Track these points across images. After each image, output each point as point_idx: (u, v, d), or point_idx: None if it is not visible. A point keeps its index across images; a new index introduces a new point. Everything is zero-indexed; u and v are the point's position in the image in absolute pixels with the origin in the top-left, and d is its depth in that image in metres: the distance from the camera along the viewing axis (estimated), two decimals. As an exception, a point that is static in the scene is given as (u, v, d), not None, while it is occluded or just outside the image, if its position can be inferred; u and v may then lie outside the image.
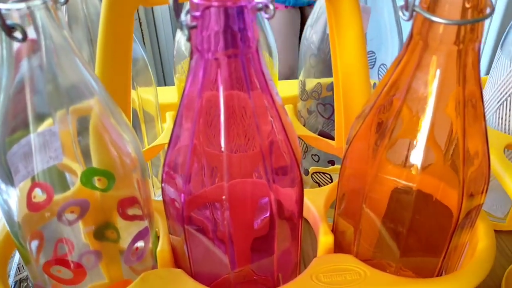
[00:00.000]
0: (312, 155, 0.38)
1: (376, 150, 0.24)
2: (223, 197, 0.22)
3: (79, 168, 0.25)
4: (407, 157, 0.24)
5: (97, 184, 0.26)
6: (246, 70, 0.20)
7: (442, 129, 0.23)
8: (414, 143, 0.23)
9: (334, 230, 0.28)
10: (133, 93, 0.35)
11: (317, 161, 0.38)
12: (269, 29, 0.34)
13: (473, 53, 0.20)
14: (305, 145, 0.38)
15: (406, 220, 0.25)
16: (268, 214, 0.25)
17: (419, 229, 0.26)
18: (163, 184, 0.24)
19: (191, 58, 0.20)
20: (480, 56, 0.22)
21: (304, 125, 0.37)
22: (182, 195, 0.22)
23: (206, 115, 0.21)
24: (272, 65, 0.34)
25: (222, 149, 0.21)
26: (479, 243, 0.27)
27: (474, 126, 0.22)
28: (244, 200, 0.24)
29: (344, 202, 0.27)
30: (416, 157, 0.24)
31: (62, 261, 0.24)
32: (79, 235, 0.27)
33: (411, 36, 0.21)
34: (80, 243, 0.27)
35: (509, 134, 0.37)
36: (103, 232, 0.27)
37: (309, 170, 0.39)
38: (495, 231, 0.28)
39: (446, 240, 0.25)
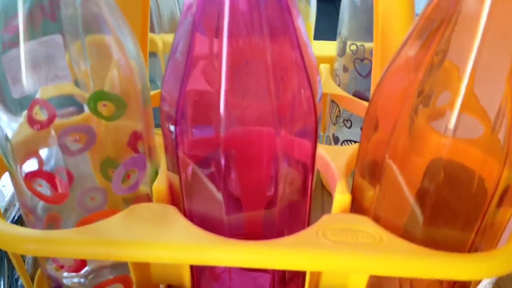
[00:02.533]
0: (344, 120, 0.34)
1: (409, 107, 0.21)
2: (220, 140, 0.20)
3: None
4: (447, 124, 0.20)
5: (104, 112, 0.24)
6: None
7: (492, 94, 0.19)
8: (455, 107, 0.19)
9: (353, 191, 0.25)
10: (157, 37, 0.33)
11: (349, 127, 0.34)
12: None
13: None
14: (337, 109, 0.35)
15: (437, 187, 0.22)
16: (274, 167, 0.22)
17: (449, 200, 0.22)
18: (161, 111, 0.21)
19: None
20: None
21: (339, 85, 0.34)
22: (175, 129, 0.20)
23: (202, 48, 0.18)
24: (308, 14, 0.31)
25: (221, 90, 0.18)
26: (524, 224, 0.22)
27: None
28: (245, 146, 0.21)
29: (366, 159, 0.24)
30: (455, 123, 0.20)
31: (46, 175, 0.22)
32: (83, 168, 0.26)
33: None
34: (84, 177, 0.25)
35: None
36: (108, 169, 0.25)
37: (339, 137, 0.35)
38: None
39: (479, 214, 0.21)
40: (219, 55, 0.18)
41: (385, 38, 0.26)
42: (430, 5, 0.19)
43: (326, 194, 0.36)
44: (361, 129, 0.34)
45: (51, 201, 0.23)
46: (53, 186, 0.23)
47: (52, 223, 0.26)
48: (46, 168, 0.24)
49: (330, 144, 0.37)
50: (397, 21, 0.26)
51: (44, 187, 0.22)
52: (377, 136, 0.23)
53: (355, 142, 0.34)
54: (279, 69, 0.19)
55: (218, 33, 0.18)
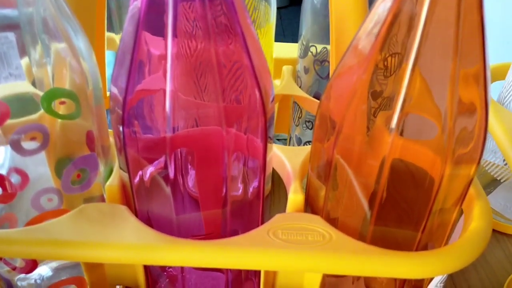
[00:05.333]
0: (306, 121, 0.35)
1: (358, 102, 0.21)
2: (167, 141, 0.20)
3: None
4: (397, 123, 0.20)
5: (61, 110, 0.24)
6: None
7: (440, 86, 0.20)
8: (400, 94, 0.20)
9: (307, 190, 0.25)
10: (116, 37, 0.33)
11: (310, 129, 0.35)
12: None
13: None
14: (300, 110, 0.35)
15: (385, 185, 0.22)
16: (226, 167, 0.22)
17: (396, 195, 0.22)
18: (110, 110, 0.21)
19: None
20: None
21: (300, 87, 0.34)
22: (122, 128, 0.20)
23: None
24: (269, 15, 0.31)
25: (167, 89, 0.18)
26: (472, 223, 0.23)
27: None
28: (193, 145, 0.21)
29: (319, 157, 0.24)
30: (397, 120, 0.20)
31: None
32: (38, 168, 0.25)
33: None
34: (39, 178, 0.25)
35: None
36: (63, 169, 0.25)
37: (301, 139, 0.35)
38: (506, 234, 0.24)
39: (425, 211, 0.22)
40: (164, 54, 0.18)
41: (339, 40, 0.26)
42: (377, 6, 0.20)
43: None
44: (322, 130, 0.35)
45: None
46: (1, 186, 0.22)
47: (7, 223, 0.25)
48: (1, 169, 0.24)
49: (293, 145, 0.37)
50: (350, 22, 0.26)
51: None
52: (327, 135, 0.23)
53: (316, 143, 0.35)
54: (226, 69, 0.19)
55: (163, 32, 0.18)
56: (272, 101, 0.22)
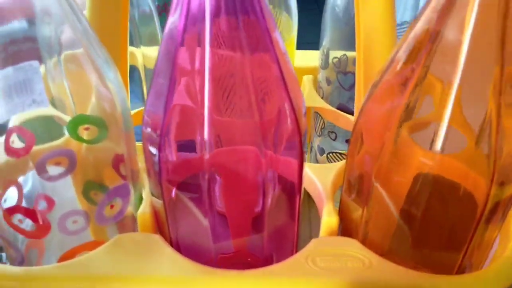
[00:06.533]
0: (329, 132, 0.34)
1: (395, 125, 0.21)
2: (205, 162, 0.19)
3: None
4: (432, 137, 0.20)
5: (85, 135, 0.23)
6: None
7: (476, 107, 0.19)
8: (441, 121, 0.19)
9: (340, 212, 0.25)
10: (136, 51, 0.33)
11: (334, 139, 0.34)
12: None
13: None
14: (322, 121, 0.35)
15: (424, 206, 0.21)
16: (261, 187, 0.21)
17: (437, 218, 0.22)
18: (143, 134, 0.21)
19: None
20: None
21: (322, 98, 0.33)
22: (158, 152, 0.19)
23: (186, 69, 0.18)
24: (290, 27, 0.31)
25: (205, 108, 0.18)
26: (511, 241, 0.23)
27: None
28: (230, 167, 0.21)
29: (352, 178, 0.24)
30: (442, 138, 0.20)
31: (25, 210, 0.22)
32: (64, 192, 0.25)
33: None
34: (65, 201, 0.25)
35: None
36: (90, 191, 0.24)
37: (324, 149, 0.35)
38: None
39: (468, 233, 0.21)
40: (201, 73, 0.18)
41: (367, 53, 0.26)
42: (414, 28, 0.19)
43: (313, 204, 0.36)
44: (346, 141, 0.34)
45: (33, 236, 0.22)
46: (34, 220, 0.22)
47: (34, 249, 0.25)
48: (25, 194, 0.23)
49: (315, 155, 0.36)
50: (378, 35, 0.25)
51: (24, 223, 0.22)
52: (363, 156, 0.23)
53: (340, 153, 0.34)
54: (261, 89, 0.19)
55: (199, 49, 0.17)
56: (304, 114, 0.21)
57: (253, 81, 0.18)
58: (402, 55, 0.20)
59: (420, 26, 0.19)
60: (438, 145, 0.20)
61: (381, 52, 0.26)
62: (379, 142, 0.21)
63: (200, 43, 0.17)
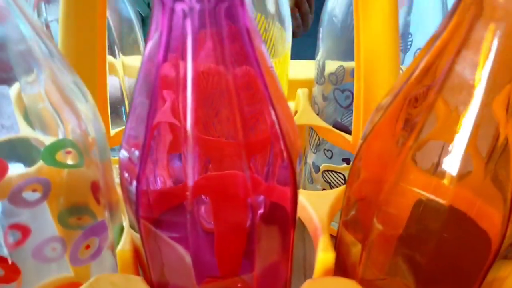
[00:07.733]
0: (324, 149, 0.32)
1: (398, 152, 0.19)
2: (187, 192, 0.17)
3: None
4: (437, 164, 0.18)
5: (67, 159, 0.22)
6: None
7: (486, 131, 0.18)
8: (449, 147, 0.18)
9: (337, 245, 0.23)
10: (116, 62, 0.31)
11: (330, 158, 0.32)
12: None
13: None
14: (317, 137, 0.33)
15: (429, 242, 0.20)
16: (248, 218, 0.20)
17: (444, 256, 0.20)
18: (119, 163, 0.19)
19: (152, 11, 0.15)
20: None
21: (318, 114, 0.32)
22: (135, 180, 0.18)
23: (167, 86, 0.16)
24: (284, 39, 0.29)
25: (187, 130, 0.16)
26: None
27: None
28: (214, 195, 0.19)
29: (352, 211, 0.22)
30: (450, 165, 0.18)
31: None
32: (41, 218, 0.23)
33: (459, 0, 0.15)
34: (42, 229, 0.23)
35: None
36: (69, 217, 0.23)
37: (320, 167, 0.33)
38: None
39: (480, 273, 0.19)
40: (182, 90, 0.16)
41: (368, 66, 0.24)
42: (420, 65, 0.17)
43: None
44: (342, 160, 0.32)
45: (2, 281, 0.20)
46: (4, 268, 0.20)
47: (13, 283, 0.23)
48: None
49: (310, 172, 0.35)
50: (380, 46, 0.24)
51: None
52: (363, 189, 0.21)
53: (336, 172, 0.32)
54: (247, 110, 0.17)
55: (181, 63, 0.16)
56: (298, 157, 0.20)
57: (238, 102, 0.17)
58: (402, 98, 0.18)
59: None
60: (443, 169, 0.18)
61: (383, 66, 0.25)
62: (379, 181, 0.19)
63: (183, 60, 0.16)
